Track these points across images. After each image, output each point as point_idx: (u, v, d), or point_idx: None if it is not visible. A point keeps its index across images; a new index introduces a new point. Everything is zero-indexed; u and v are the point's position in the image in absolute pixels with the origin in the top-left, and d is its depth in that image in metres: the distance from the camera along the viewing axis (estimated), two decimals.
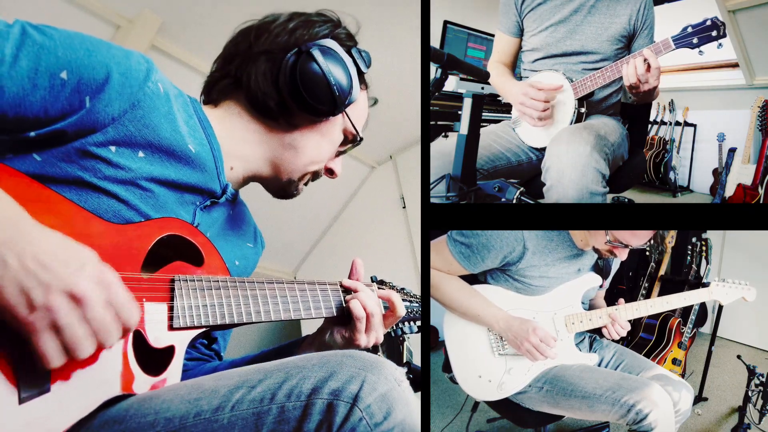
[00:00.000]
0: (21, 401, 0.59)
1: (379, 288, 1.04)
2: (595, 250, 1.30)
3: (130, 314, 0.64)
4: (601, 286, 1.40)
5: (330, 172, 1.04)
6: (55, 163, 0.72)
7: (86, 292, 0.59)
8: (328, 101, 0.91)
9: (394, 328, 1.26)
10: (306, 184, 1.04)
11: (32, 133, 0.70)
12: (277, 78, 0.91)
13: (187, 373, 0.78)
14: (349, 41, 0.98)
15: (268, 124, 0.95)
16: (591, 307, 1.43)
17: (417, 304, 1.12)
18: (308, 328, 1.65)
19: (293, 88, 0.90)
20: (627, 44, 1.52)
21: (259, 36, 0.94)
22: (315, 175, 1.03)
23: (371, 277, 1.04)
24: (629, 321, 1.34)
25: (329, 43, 0.93)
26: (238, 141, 0.94)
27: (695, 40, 1.31)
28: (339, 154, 1.04)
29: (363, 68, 0.97)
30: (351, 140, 1.03)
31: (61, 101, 0.69)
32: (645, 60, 1.33)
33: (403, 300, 1.07)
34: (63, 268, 0.58)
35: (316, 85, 0.90)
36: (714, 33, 1.30)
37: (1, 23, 0.67)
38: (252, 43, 0.94)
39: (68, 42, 0.70)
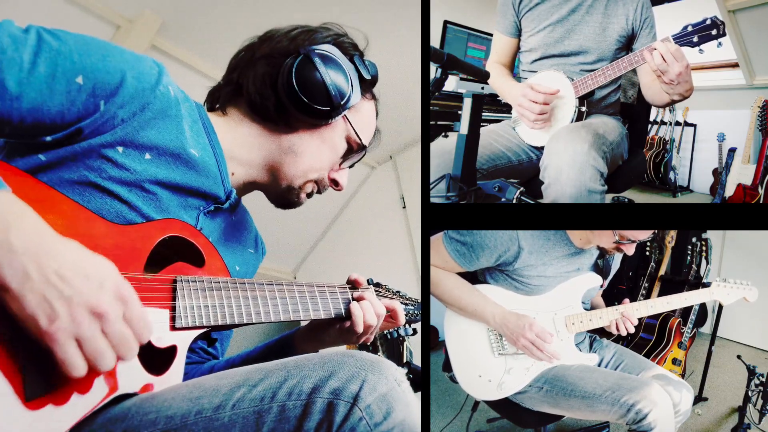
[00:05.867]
0: (27, 401, 0.59)
1: (375, 290, 1.04)
2: (599, 249, 1.30)
3: (144, 330, 0.64)
4: (601, 286, 1.40)
5: (335, 184, 1.02)
6: (61, 162, 0.73)
7: (107, 308, 0.59)
8: (324, 102, 0.91)
9: (390, 330, 1.27)
10: (309, 196, 1.02)
11: (48, 138, 0.71)
12: (276, 80, 0.91)
13: (185, 377, 0.78)
14: (353, 50, 0.98)
15: (268, 128, 0.96)
16: (591, 307, 1.43)
17: (413, 307, 1.13)
18: None
19: (290, 89, 0.90)
20: (626, 44, 1.52)
21: (262, 44, 0.96)
22: (319, 188, 1.02)
23: (368, 280, 1.05)
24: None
25: (328, 47, 0.94)
26: (240, 146, 0.95)
27: (695, 39, 1.31)
28: (344, 164, 1.02)
29: (365, 75, 0.97)
30: (356, 150, 1.01)
31: (77, 106, 0.70)
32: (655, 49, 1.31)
33: None
34: (84, 284, 0.58)
35: (313, 86, 0.90)
36: (714, 32, 1.30)
37: (16, 29, 0.68)
38: (255, 52, 0.95)
39: (83, 47, 0.71)
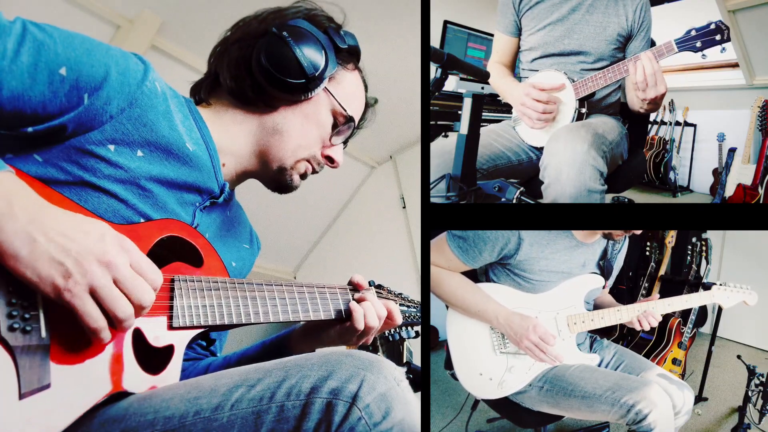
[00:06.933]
0: (21, 396, 0.59)
1: (377, 292, 1.04)
2: (606, 236, 1.30)
3: (154, 275, 0.68)
4: (603, 287, 1.40)
5: (330, 161, 1.01)
6: (56, 162, 0.73)
7: (113, 256, 0.64)
8: (298, 75, 0.90)
9: (392, 332, 1.27)
10: (304, 177, 1.01)
11: (30, 129, 0.71)
12: (249, 62, 0.91)
13: (182, 373, 0.78)
14: (327, 23, 0.97)
15: (249, 111, 0.95)
16: (596, 307, 1.43)
17: (414, 309, 1.12)
18: None
19: (262, 67, 0.90)
20: (623, 44, 1.51)
21: (234, 32, 0.96)
22: (314, 167, 1.01)
23: (369, 282, 1.04)
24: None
25: (298, 22, 0.93)
26: (227, 136, 0.95)
27: (699, 44, 1.28)
28: (336, 139, 1.00)
29: (340, 44, 0.96)
30: (344, 123, 0.99)
31: (59, 97, 0.70)
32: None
33: (400, 305, 1.07)
34: (86, 238, 0.63)
35: (284, 60, 0.89)
36: (718, 37, 1.27)
37: (3, 20, 0.68)
38: (228, 41, 0.96)
39: (68, 40, 0.71)
